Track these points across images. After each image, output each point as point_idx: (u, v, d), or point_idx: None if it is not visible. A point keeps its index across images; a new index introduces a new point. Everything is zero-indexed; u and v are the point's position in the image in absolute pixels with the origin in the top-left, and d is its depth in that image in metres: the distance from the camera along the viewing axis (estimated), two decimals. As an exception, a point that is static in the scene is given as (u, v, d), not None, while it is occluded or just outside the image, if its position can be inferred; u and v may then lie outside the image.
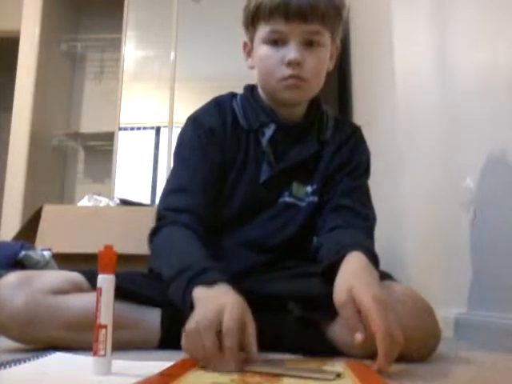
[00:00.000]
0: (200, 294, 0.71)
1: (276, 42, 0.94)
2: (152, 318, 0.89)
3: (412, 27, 1.57)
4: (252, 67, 1.02)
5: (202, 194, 0.94)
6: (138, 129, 3.14)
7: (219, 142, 0.98)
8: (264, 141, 0.99)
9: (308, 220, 0.99)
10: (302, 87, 0.95)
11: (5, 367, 0.61)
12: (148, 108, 3.15)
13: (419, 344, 0.75)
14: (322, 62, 0.96)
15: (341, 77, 2.61)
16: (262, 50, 0.96)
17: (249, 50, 1.02)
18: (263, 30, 0.95)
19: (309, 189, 1.00)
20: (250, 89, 1.05)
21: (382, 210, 1.93)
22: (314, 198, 0.99)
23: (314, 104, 1.04)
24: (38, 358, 0.70)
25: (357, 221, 0.94)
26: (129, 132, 3.16)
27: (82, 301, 0.83)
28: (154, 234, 0.91)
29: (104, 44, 3.82)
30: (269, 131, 0.99)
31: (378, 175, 2.00)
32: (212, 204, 0.95)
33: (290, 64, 0.92)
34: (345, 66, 2.61)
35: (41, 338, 0.82)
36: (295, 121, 1.02)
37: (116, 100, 3.21)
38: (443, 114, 1.29)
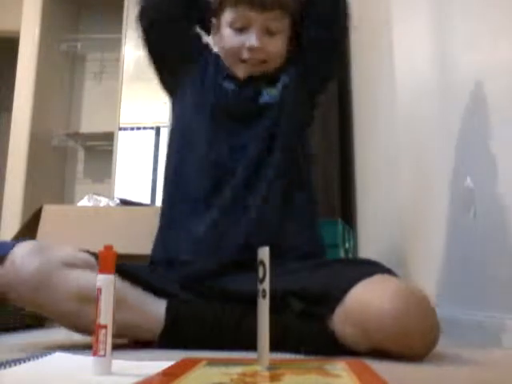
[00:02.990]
0: None
1: (240, 27, 1.06)
2: (157, 304, 0.90)
3: (412, 27, 1.57)
4: (217, 44, 1.14)
5: None
6: (138, 129, 3.15)
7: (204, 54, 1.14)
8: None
9: (286, 107, 1.07)
10: (262, 66, 1.08)
11: (5, 367, 0.61)
12: (148, 108, 3.15)
13: (420, 340, 0.75)
14: (281, 46, 1.09)
15: (341, 77, 2.61)
16: (227, 33, 1.09)
17: (216, 30, 1.14)
18: (229, 15, 1.08)
19: (279, 85, 1.09)
20: None
21: (382, 209, 1.93)
22: (285, 80, 1.09)
23: None
24: (37, 357, 0.70)
25: None
26: (129, 132, 3.16)
27: (93, 275, 0.84)
28: None
29: (104, 44, 3.82)
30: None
31: (378, 175, 2.01)
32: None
33: (250, 49, 1.06)
34: (345, 66, 2.61)
35: (50, 306, 0.84)
36: None
37: (116, 100, 3.21)
38: (443, 113, 1.29)
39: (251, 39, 1.05)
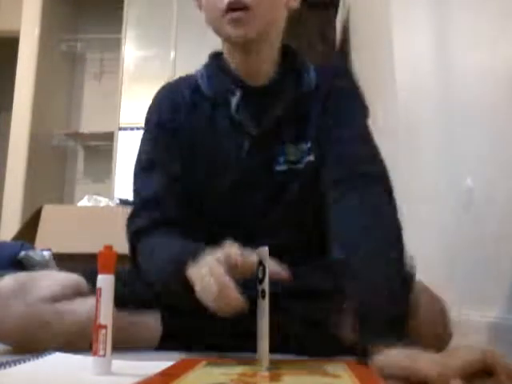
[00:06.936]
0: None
1: None
2: (152, 316, 0.89)
3: (412, 27, 1.57)
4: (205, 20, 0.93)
5: (168, 204, 0.87)
6: (138, 129, 3.15)
7: (172, 132, 0.91)
8: (233, 109, 0.89)
9: (308, 183, 0.88)
10: (246, 20, 0.84)
11: (5, 367, 0.61)
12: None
13: (434, 339, 0.74)
14: None
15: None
16: None
17: (199, 2, 0.96)
18: None
19: (304, 146, 0.89)
20: (214, 55, 0.97)
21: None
22: (311, 158, 0.89)
23: (287, 58, 0.94)
24: (37, 358, 0.70)
25: (358, 197, 0.83)
26: (129, 132, 3.17)
27: (85, 305, 0.82)
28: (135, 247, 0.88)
29: (104, 44, 3.82)
30: (234, 99, 0.89)
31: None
32: (184, 201, 0.89)
33: None
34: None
35: (43, 344, 0.79)
36: (265, 81, 0.92)
37: (116, 100, 3.22)
38: (443, 113, 1.29)
39: None
